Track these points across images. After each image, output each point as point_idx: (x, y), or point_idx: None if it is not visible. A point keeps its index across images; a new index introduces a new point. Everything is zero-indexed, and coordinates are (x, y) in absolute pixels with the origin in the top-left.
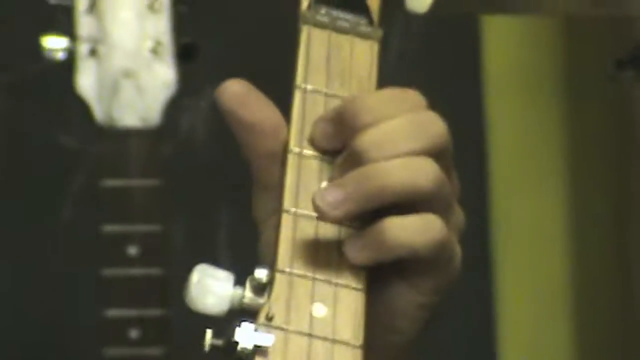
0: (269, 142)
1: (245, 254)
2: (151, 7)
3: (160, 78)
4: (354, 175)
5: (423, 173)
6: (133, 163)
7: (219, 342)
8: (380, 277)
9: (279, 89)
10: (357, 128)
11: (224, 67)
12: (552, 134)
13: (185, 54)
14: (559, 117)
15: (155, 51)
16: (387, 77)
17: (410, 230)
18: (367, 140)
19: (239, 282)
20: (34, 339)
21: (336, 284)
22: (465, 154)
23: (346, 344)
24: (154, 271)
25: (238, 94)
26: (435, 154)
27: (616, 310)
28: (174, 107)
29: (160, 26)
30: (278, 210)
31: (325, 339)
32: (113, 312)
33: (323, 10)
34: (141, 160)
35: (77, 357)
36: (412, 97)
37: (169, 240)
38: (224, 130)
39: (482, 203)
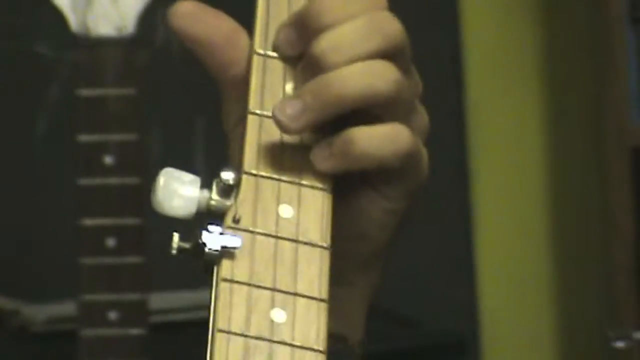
0: (225, 52)
1: (221, 164)
2: None
3: None
4: (311, 85)
5: (381, 77)
6: (108, 72)
7: (187, 245)
8: (348, 184)
9: None
10: (317, 31)
11: None
12: (527, 38)
13: None
14: (535, 21)
15: None
16: None
17: (378, 141)
18: (324, 44)
19: (207, 185)
20: (11, 249)
21: (302, 185)
22: (441, 64)
23: (313, 244)
24: (130, 180)
25: (188, 13)
26: (393, 53)
27: (594, 220)
28: (149, 15)
29: None
30: (244, 116)
31: (292, 240)
32: (90, 222)
33: None
34: (117, 69)
35: (54, 266)
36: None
37: (144, 149)
38: None
39: (459, 113)
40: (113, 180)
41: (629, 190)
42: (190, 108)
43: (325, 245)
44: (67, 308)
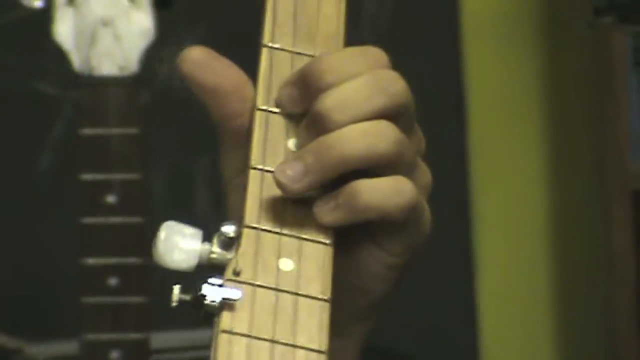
0: (231, 102)
1: (221, 215)
2: None
3: (138, 26)
4: (312, 146)
5: (383, 138)
6: (111, 111)
7: (187, 297)
8: (349, 238)
9: (256, 35)
10: (320, 90)
11: (201, 14)
12: (531, 79)
13: (162, 1)
14: (539, 63)
15: None
16: (366, 29)
17: (382, 193)
18: (327, 102)
19: (208, 238)
20: (13, 287)
21: (303, 239)
22: (444, 104)
23: (314, 297)
24: (133, 220)
25: (198, 60)
26: (396, 112)
27: (597, 262)
28: (151, 55)
29: None
30: (245, 168)
31: (292, 293)
32: (92, 261)
33: None
34: (119, 108)
35: (57, 305)
36: (373, 54)
37: (147, 189)
38: None
39: (461, 154)
40: (115, 220)
41: (631, 231)
42: (192, 147)
43: (325, 298)
44: (69, 347)
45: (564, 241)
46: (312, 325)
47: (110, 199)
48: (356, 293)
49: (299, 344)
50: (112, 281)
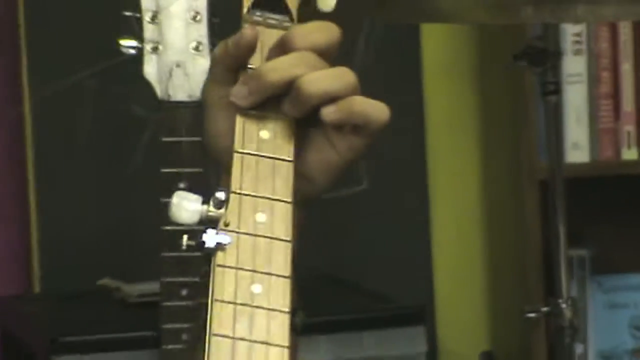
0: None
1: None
2: (194, 19)
3: (201, 67)
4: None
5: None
6: (182, 125)
7: (193, 242)
8: (307, 133)
9: None
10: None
11: None
12: (470, 105)
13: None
14: (476, 94)
15: (197, 49)
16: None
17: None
18: (263, 66)
19: (206, 202)
20: (117, 245)
21: (272, 199)
22: (406, 120)
23: (280, 239)
24: None
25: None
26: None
27: (514, 231)
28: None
29: (201, 32)
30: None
31: (266, 237)
32: (169, 228)
33: (258, 13)
34: (188, 123)
35: (145, 257)
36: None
37: (207, 178)
38: None
39: (421, 160)
40: None
41: (539, 211)
42: None
43: (288, 239)
44: (153, 286)
45: (493, 217)
46: (280, 258)
47: (182, 185)
48: (302, 180)
49: (271, 271)
50: (183, 242)
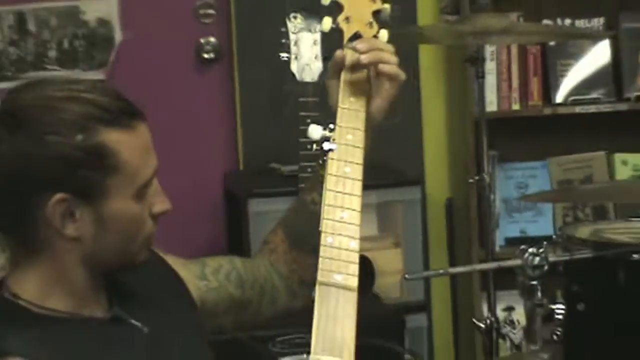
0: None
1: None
2: (314, 43)
3: (317, 66)
4: (364, 44)
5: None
6: (309, 92)
7: (319, 148)
8: (372, 88)
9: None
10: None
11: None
12: (441, 83)
13: (325, 60)
14: (444, 79)
15: (315, 58)
16: None
17: (392, 56)
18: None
19: (325, 128)
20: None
21: (354, 128)
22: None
23: (357, 146)
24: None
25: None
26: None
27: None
28: (320, 74)
29: (317, 50)
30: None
31: (352, 145)
32: (306, 139)
33: (351, 44)
34: (311, 91)
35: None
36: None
37: (321, 118)
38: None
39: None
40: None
41: (473, 140)
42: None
43: (361, 146)
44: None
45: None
46: (357, 152)
47: (309, 121)
48: (368, 115)
49: (354, 161)
50: (313, 147)
